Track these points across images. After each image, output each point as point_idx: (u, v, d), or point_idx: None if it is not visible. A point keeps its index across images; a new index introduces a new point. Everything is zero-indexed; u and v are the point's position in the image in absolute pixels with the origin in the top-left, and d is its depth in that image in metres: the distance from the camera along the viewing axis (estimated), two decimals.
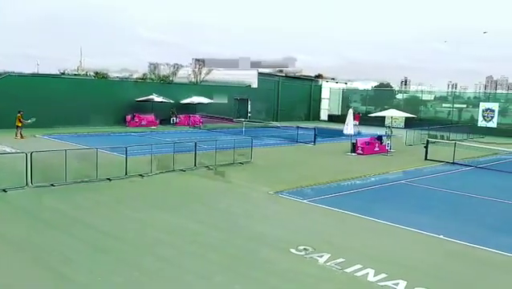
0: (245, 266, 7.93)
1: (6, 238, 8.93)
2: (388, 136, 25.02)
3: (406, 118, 34.73)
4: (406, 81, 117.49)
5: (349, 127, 23.74)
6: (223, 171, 16.31)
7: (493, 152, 23.90)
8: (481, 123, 37.54)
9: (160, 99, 34.40)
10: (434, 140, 25.17)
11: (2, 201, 11.59)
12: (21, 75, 32.54)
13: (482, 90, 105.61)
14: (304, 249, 8.65)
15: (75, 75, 43.53)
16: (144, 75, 46.17)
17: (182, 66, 48.95)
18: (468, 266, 8.38)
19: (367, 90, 53.48)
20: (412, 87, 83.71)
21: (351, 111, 24.96)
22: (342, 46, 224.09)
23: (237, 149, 18.55)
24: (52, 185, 13.03)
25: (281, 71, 49.24)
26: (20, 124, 24.02)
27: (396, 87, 66.98)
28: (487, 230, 10.66)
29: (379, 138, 23.97)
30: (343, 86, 54.94)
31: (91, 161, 14.18)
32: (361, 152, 22.51)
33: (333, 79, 57.16)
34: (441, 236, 9.73)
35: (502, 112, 39.29)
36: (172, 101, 35.63)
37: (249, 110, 42.00)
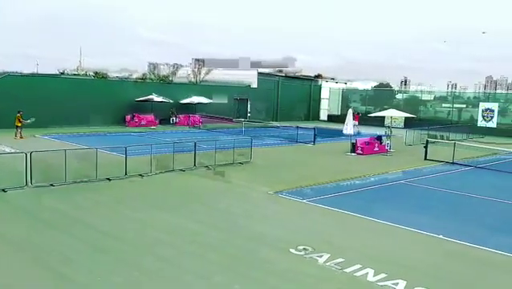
0: (245, 266, 7.94)
1: (5, 238, 8.93)
2: (388, 136, 25.04)
3: (406, 118, 34.74)
4: (406, 81, 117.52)
5: (349, 127, 23.76)
6: (223, 171, 16.31)
7: (493, 152, 23.92)
8: (480, 123, 37.57)
9: (159, 99, 34.41)
10: (434, 140, 25.17)
11: (2, 200, 11.59)
12: (20, 75, 32.54)
13: (482, 90, 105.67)
14: (304, 249, 8.65)
15: (75, 74, 43.54)
16: (144, 75, 46.21)
17: (182, 66, 49.02)
18: (467, 266, 8.39)
19: (367, 90, 53.52)
20: (412, 87, 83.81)
21: (350, 111, 24.97)
22: (341, 46, 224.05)
23: (236, 149, 18.55)
24: (52, 185, 13.03)
25: (280, 71, 49.26)
26: (20, 124, 24.01)
27: (395, 87, 67.14)
28: (486, 230, 10.67)
29: (379, 138, 23.97)
30: (343, 86, 54.95)
31: (91, 161, 14.18)
32: (361, 152, 22.52)
33: (333, 79, 57.16)
34: (441, 236, 9.74)
35: (502, 112, 39.34)
36: (171, 101, 35.64)
37: (248, 110, 42.00)
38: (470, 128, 34.37)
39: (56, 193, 12.44)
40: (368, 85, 57.50)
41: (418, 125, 31.03)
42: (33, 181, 12.85)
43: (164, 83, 40.66)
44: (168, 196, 12.97)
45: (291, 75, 50.41)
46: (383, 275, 7.53)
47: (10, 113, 24.66)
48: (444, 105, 45.56)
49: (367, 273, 7.63)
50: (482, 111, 37.90)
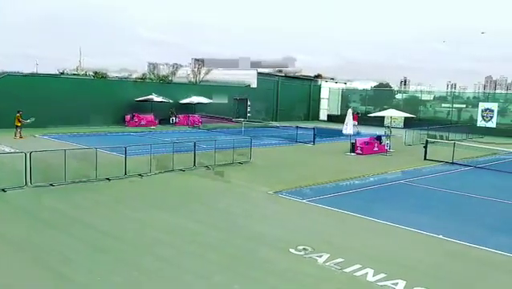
0: (245, 266, 7.93)
1: (5, 238, 8.93)
2: (388, 136, 25.04)
3: (405, 118, 34.74)
4: (405, 81, 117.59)
5: (348, 127, 23.76)
6: (222, 171, 16.31)
7: (493, 152, 23.93)
8: (480, 123, 37.57)
9: (159, 98, 34.41)
10: (433, 140, 25.17)
11: (2, 200, 11.58)
12: (20, 75, 32.53)
13: (481, 90, 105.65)
14: (303, 249, 8.65)
15: (75, 74, 43.50)
16: (144, 74, 46.16)
17: (181, 66, 48.99)
18: (467, 266, 8.39)
19: (367, 90, 53.50)
20: (412, 87, 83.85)
21: (350, 111, 24.97)
22: (341, 46, 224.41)
23: (236, 149, 18.55)
24: (51, 184, 13.02)
25: (280, 71, 49.29)
26: (19, 124, 24.01)
27: (395, 87, 67.16)
28: (486, 230, 10.67)
29: (379, 138, 23.98)
30: (343, 86, 54.96)
31: (91, 161, 14.18)
32: (360, 152, 22.52)
33: (332, 79, 57.17)
34: (441, 236, 9.74)
35: (501, 112, 39.36)
36: (171, 101, 35.65)
37: (248, 110, 42.00)
38: (470, 128, 34.37)
39: (56, 193, 12.44)
40: (368, 85, 57.54)
41: (418, 125, 31.04)
42: (32, 181, 12.84)
43: (163, 83, 40.64)
44: (168, 196, 12.97)
45: (291, 75, 50.42)
46: (382, 275, 7.53)
47: (9, 113, 24.65)
48: (443, 105, 45.57)
49: (367, 273, 7.63)
50: (482, 111, 37.91)
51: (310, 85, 51.35)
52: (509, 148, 23.20)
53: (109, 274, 7.38)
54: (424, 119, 39.21)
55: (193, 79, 47.30)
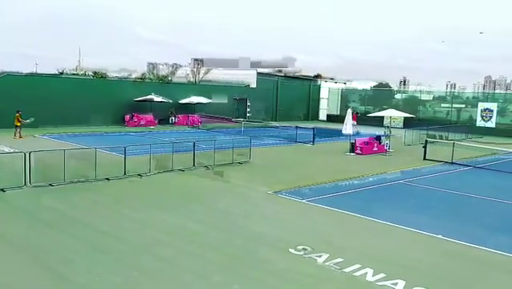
0: (244, 266, 7.93)
1: (5, 238, 8.92)
2: (387, 136, 25.05)
3: (405, 118, 34.75)
4: (405, 81, 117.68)
5: (348, 127, 23.77)
6: (222, 171, 16.30)
7: (492, 152, 23.94)
8: (479, 123, 37.60)
9: (159, 98, 34.40)
10: (433, 139, 25.18)
11: (1, 200, 11.57)
12: (20, 75, 32.52)
13: (481, 90, 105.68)
14: (303, 249, 8.65)
15: (74, 74, 43.50)
16: (143, 74, 46.18)
17: (181, 66, 49.00)
18: (466, 266, 8.39)
19: (366, 90, 53.51)
20: (411, 87, 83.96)
21: (349, 111, 24.97)
22: (341, 46, 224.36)
23: (235, 149, 18.55)
24: (51, 184, 13.01)
25: (280, 71, 49.31)
26: (19, 124, 24.00)
27: (394, 87, 67.18)
28: (486, 230, 10.67)
29: (378, 138, 23.99)
30: (342, 86, 54.98)
31: (90, 161, 14.17)
32: (360, 152, 22.53)
33: (332, 78, 57.18)
34: (440, 236, 9.74)
35: (501, 112, 39.37)
36: (170, 101, 35.63)
37: (248, 110, 42.01)
38: (469, 127, 34.39)
39: (55, 193, 12.43)
40: (367, 85, 57.52)
41: (417, 125, 31.05)
42: (32, 181, 12.83)
43: (163, 83, 40.66)
44: (167, 196, 12.96)
45: (291, 74, 50.44)
46: (382, 275, 7.53)
47: (9, 113, 24.64)
48: (443, 105, 45.60)
49: (367, 273, 7.63)
50: (481, 111, 37.93)
51: (309, 85, 51.35)
52: (509, 148, 23.22)
53: (108, 274, 7.37)
54: (424, 119, 39.22)
55: (192, 79, 47.30)
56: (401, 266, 8.06)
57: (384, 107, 37.79)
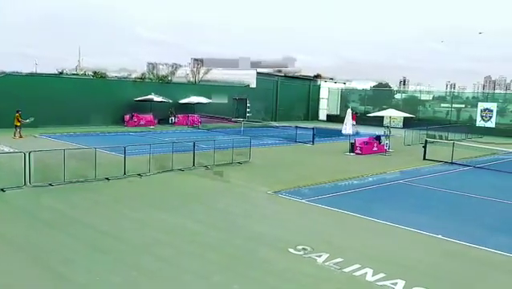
0: (244, 266, 7.93)
1: (4, 238, 8.91)
2: (387, 136, 25.05)
3: (404, 118, 34.78)
4: (405, 81, 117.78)
5: (348, 127, 23.76)
6: (221, 171, 16.30)
7: (492, 151, 23.94)
8: (479, 123, 37.61)
9: (158, 98, 34.39)
10: (432, 139, 25.19)
11: (1, 200, 11.56)
12: (20, 75, 32.52)
13: (481, 90, 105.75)
14: (303, 248, 8.65)
15: (74, 74, 43.50)
16: (143, 74, 46.17)
17: (181, 66, 48.99)
18: (466, 266, 8.39)
19: (366, 90, 53.53)
20: (411, 87, 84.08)
21: (349, 111, 24.97)
22: (341, 46, 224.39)
23: (235, 149, 18.54)
24: (50, 184, 13.01)
25: (280, 71, 49.31)
26: (19, 124, 24.00)
27: (394, 86, 67.28)
28: (485, 230, 10.67)
29: (378, 138, 23.99)
30: (342, 86, 55.00)
31: (90, 161, 14.17)
32: (359, 151, 22.53)
33: (332, 78, 57.20)
34: (440, 236, 9.74)
35: (500, 112, 39.39)
36: (170, 101, 35.62)
37: (247, 110, 42.01)
38: (469, 127, 34.41)
39: (55, 193, 12.42)
40: (367, 85, 57.55)
41: (417, 125, 31.06)
42: (31, 181, 12.83)
43: (163, 83, 40.65)
44: (167, 196, 12.95)
45: (290, 74, 50.45)
46: (382, 275, 7.53)
47: (9, 113, 24.62)
48: (442, 105, 45.62)
49: (366, 273, 7.63)
50: (481, 111, 37.95)
51: (309, 85, 51.36)
52: (509, 148, 23.23)
53: (108, 274, 7.37)
54: (424, 119, 39.24)
55: (192, 79, 47.30)
56: (401, 266, 8.06)
57: (384, 107, 37.80)
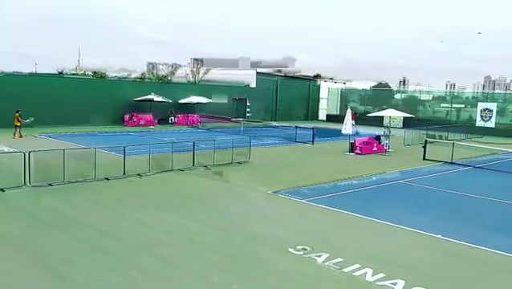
0: (244, 266, 7.93)
1: (4, 238, 8.91)
2: (387, 136, 25.06)
3: (404, 118, 34.77)
4: (404, 81, 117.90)
5: (347, 127, 23.77)
6: (221, 171, 16.30)
7: (492, 151, 23.95)
8: (479, 123, 37.63)
9: (158, 98, 34.40)
10: (432, 139, 25.21)
11: (0, 200, 11.55)
12: (20, 75, 32.52)
13: (480, 90, 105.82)
14: (303, 248, 8.65)
15: (74, 74, 43.52)
16: (143, 74, 46.20)
17: (180, 66, 49.02)
18: (466, 266, 8.39)
19: (366, 90, 53.55)
20: (411, 87, 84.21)
21: (349, 111, 24.97)
22: (341, 46, 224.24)
23: (235, 149, 18.54)
24: (50, 184, 13.00)
25: (279, 71, 49.33)
26: (19, 124, 24.00)
27: (394, 86, 67.32)
28: (485, 230, 10.67)
29: (378, 138, 24.00)
30: (342, 86, 55.03)
31: (90, 161, 14.16)
32: (359, 151, 22.53)
33: (331, 78, 57.21)
34: (440, 236, 9.74)
35: (500, 112, 39.42)
36: (170, 101, 35.63)
37: (247, 110, 42.02)
38: (469, 127, 34.43)
39: (54, 193, 12.42)
40: (367, 85, 57.56)
41: (417, 125, 31.07)
42: (31, 181, 12.82)
43: (162, 83, 40.69)
44: (167, 196, 12.95)
45: (290, 74, 50.48)
46: (381, 275, 7.53)
47: (9, 113, 24.62)
48: (442, 105, 45.64)
49: (366, 273, 7.63)
50: (481, 111, 37.96)
51: (309, 85, 51.38)
52: (508, 148, 23.24)
53: (108, 274, 7.37)
54: (423, 119, 39.26)
55: (192, 79, 47.30)
56: (401, 266, 8.06)
57: (384, 107, 37.82)
